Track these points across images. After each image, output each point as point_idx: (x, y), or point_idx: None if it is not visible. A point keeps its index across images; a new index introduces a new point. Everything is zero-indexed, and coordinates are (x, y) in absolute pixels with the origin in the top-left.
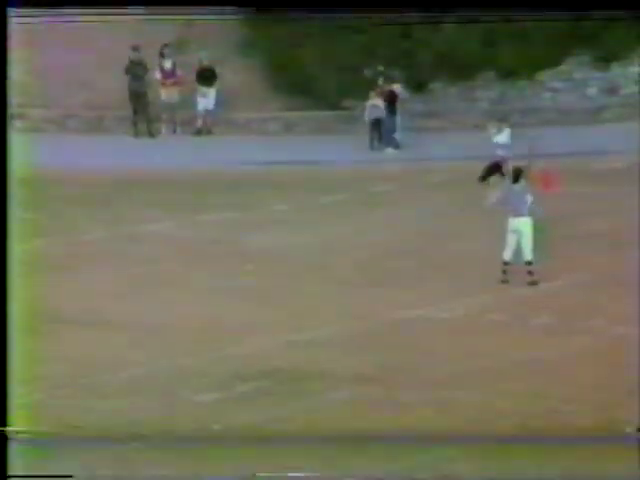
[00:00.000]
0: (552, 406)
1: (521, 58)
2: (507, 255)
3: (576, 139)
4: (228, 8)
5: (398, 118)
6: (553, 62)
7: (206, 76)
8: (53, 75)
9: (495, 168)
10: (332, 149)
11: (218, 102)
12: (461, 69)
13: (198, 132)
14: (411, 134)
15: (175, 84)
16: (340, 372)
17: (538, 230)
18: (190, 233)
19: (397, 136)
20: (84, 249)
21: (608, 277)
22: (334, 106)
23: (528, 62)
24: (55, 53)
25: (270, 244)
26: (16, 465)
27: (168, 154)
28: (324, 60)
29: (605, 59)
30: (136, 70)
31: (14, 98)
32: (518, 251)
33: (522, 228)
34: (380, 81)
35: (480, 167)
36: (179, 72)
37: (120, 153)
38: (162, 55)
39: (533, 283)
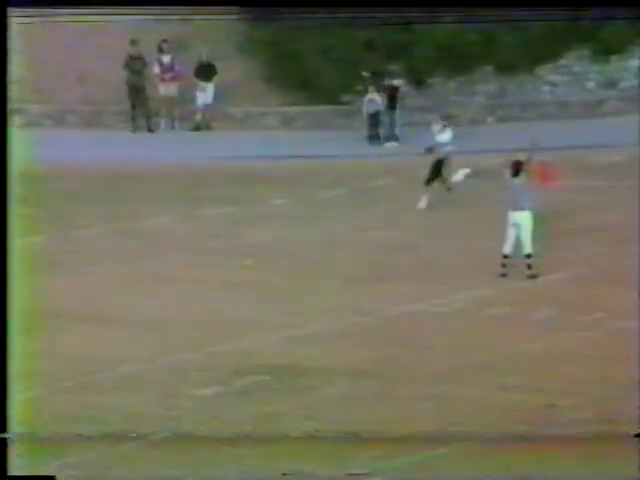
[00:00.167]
0: (551, 400)
1: (520, 52)
2: (507, 249)
3: (575, 133)
4: (228, 7)
5: (397, 112)
6: (552, 56)
7: (205, 71)
8: (51, 70)
9: (438, 166)
10: (331, 144)
11: (217, 97)
12: (460, 63)
13: (197, 127)
14: (410, 128)
15: (174, 79)
16: (339, 367)
17: (537, 223)
18: (189, 228)
19: (396, 130)
20: (83, 244)
21: (608, 271)
22: (333, 101)
23: (527, 56)
24: (53, 48)
25: (269, 239)
26: (16, 464)
27: (167, 149)
28: (323, 55)
29: (604, 53)
30: (134, 65)
31: (13, 93)
32: (517, 245)
33: (522, 222)
34: (366, 85)
35: (479, 162)
36: (178, 67)
37: (119, 148)
38: (161, 50)
39: (532, 277)
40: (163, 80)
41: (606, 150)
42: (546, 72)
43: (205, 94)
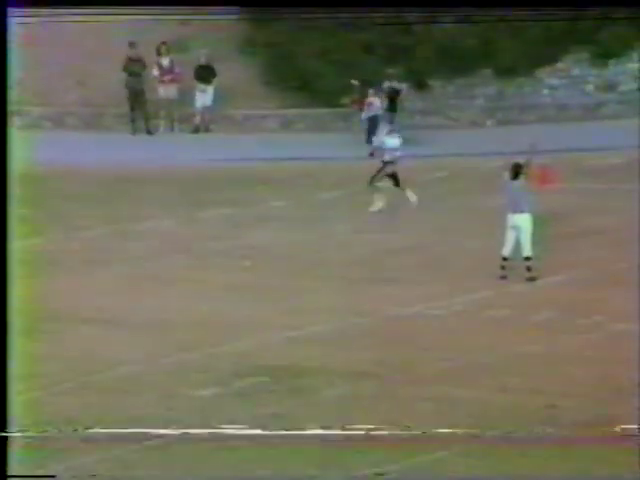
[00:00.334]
0: (551, 402)
1: (519, 55)
2: (506, 251)
3: (574, 135)
4: (227, 8)
5: (397, 115)
6: (551, 59)
7: (205, 74)
8: (51, 72)
9: (386, 171)
10: (330, 146)
11: (216, 99)
12: (460, 66)
13: (196, 129)
14: (409, 131)
15: (173, 81)
16: (339, 368)
17: (537, 226)
18: (188, 229)
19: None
20: (82, 245)
21: (607, 273)
22: (332, 103)
23: (526, 59)
24: (53, 50)
25: (269, 240)
26: (16, 464)
27: (166, 151)
28: (322, 57)
29: (603, 56)
30: (133, 67)
31: (12, 95)
32: (517, 247)
33: (521, 224)
34: (356, 93)
35: (479, 164)
36: (177, 69)
37: (118, 150)
38: (160, 52)
39: (532, 279)
40: (162, 82)
41: (605, 153)
42: (545, 75)
43: (204, 96)
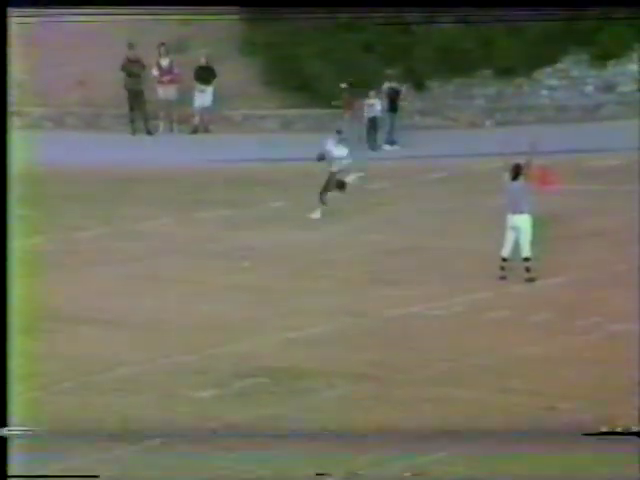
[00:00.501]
0: (550, 403)
1: (518, 56)
2: (505, 252)
3: (573, 136)
4: (227, 8)
5: (397, 116)
6: (550, 60)
7: (205, 74)
8: (51, 72)
9: (333, 180)
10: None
11: (216, 99)
12: (459, 66)
13: (194, 130)
14: (408, 131)
15: (172, 82)
16: (339, 369)
17: (536, 227)
18: (188, 230)
19: (396, 134)
20: (82, 246)
21: (607, 275)
22: (332, 104)
23: (525, 60)
24: (53, 50)
25: (268, 241)
26: (16, 464)
27: (165, 151)
28: (322, 57)
29: (602, 57)
30: (132, 67)
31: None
32: (516, 248)
33: (521, 225)
34: (345, 94)
35: (477, 165)
36: (176, 70)
37: (118, 150)
38: (159, 53)
39: (531, 280)
40: (162, 83)
41: (604, 154)
42: (544, 76)
43: (203, 96)
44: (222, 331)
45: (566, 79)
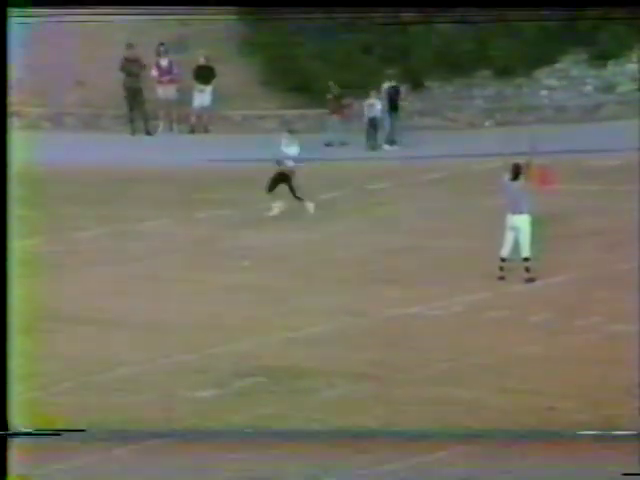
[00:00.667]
0: (550, 403)
1: (518, 56)
2: (505, 252)
3: (573, 137)
4: (227, 8)
5: (397, 116)
6: (550, 60)
7: (204, 74)
8: (50, 73)
9: (281, 178)
10: (330, 147)
11: (215, 99)
12: (458, 67)
13: (192, 130)
14: (408, 132)
15: (171, 82)
16: (338, 369)
17: (536, 227)
18: (187, 230)
19: (395, 134)
20: (81, 246)
21: (606, 274)
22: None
23: (525, 60)
24: (52, 50)
25: (268, 241)
26: (16, 464)
27: (165, 151)
28: (321, 58)
29: (601, 57)
30: (131, 67)
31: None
32: (516, 248)
33: (520, 225)
34: (332, 95)
35: (477, 165)
36: (176, 70)
37: (117, 150)
38: (158, 53)
39: (530, 280)
40: (161, 83)
41: (604, 154)
42: (544, 76)
43: (202, 96)
44: (222, 331)
45: (565, 79)
